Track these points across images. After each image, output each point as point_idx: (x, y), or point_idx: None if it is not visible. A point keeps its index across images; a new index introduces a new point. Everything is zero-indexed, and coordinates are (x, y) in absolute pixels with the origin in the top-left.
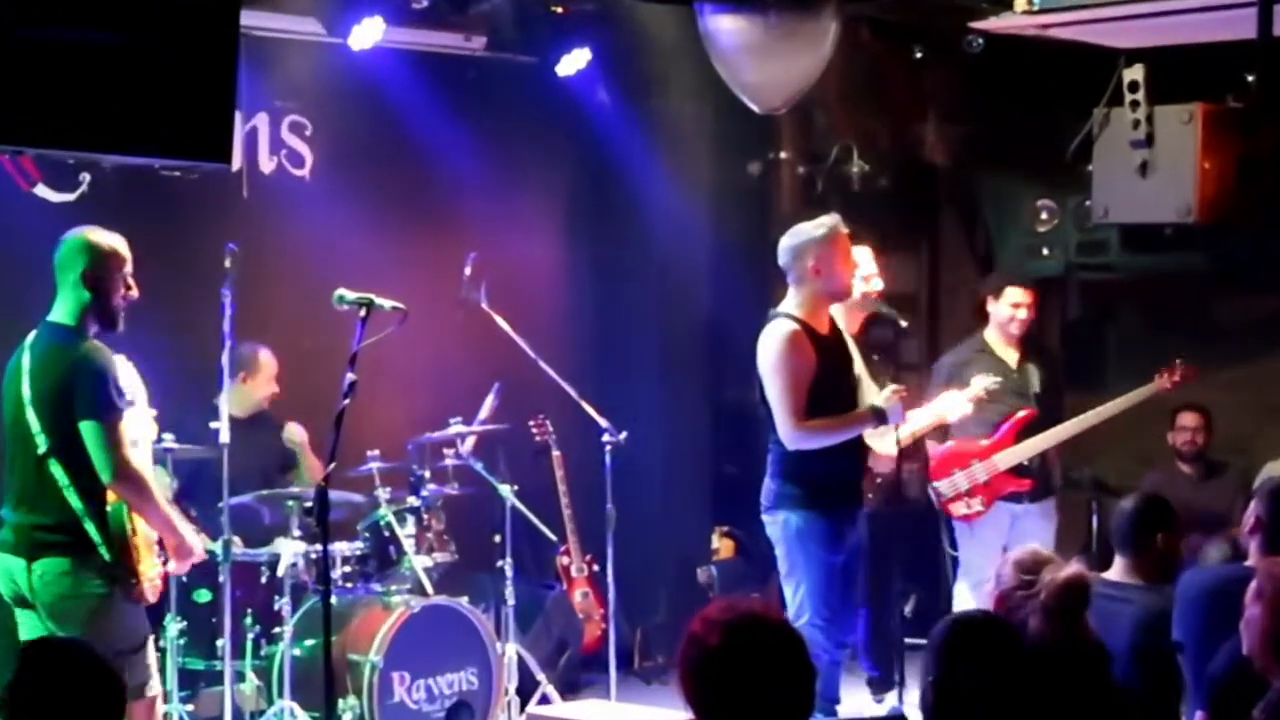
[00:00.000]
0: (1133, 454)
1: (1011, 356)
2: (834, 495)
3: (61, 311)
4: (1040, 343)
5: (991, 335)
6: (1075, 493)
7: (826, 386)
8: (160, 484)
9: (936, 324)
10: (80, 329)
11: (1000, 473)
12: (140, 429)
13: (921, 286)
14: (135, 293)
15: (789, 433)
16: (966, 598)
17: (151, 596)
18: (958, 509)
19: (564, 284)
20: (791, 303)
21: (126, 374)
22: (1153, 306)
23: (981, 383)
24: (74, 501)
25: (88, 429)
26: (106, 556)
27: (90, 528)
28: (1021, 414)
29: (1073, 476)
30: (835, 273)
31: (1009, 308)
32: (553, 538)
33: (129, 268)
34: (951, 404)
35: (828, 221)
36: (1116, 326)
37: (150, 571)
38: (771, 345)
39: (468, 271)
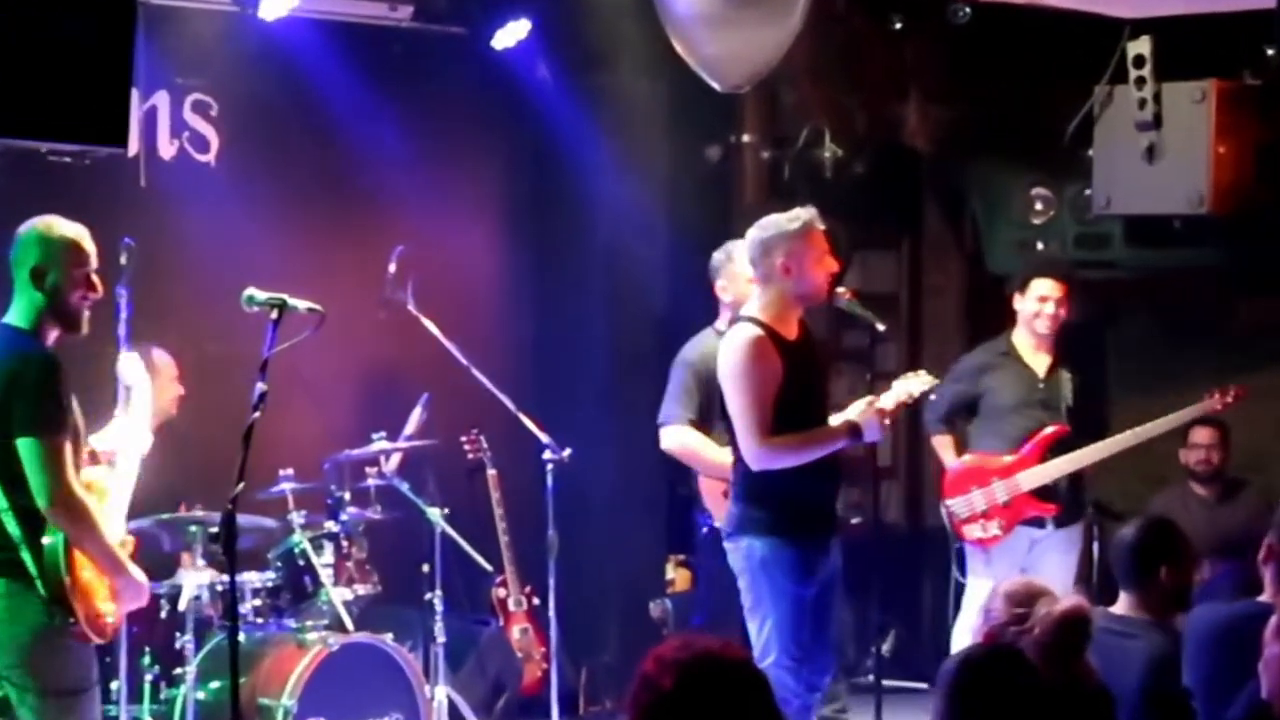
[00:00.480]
0: (1139, 473)
1: (1041, 363)
2: (804, 520)
3: (16, 313)
4: (1076, 349)
5: (1020, 337)
6: None
7: (795, 399)
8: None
9: (918, 327)
10: (36, 333)
11: (1023, 494)
12: (126, 438)
13: (901, 285)
14: (99, 292)
15: (753, 451)
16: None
17: (98, 636)
18: (972, 531)
19: (501, 282)
20: (756, 304)
21: (132, 371)
22: (1160, 309)
23: (894, 396)
24: (11, 526)
25: (25, 446)
26: (42, 592)
27: (26, 558)
28: (1049, 430)
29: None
30: (807, 273)
31: (1035, 302)
32: (488, 567)
33: (92, 263)
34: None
35: (802, 214)
36: (1119, 331)
37: (103, 607)
38: (733, 353)
39: (392, 269)
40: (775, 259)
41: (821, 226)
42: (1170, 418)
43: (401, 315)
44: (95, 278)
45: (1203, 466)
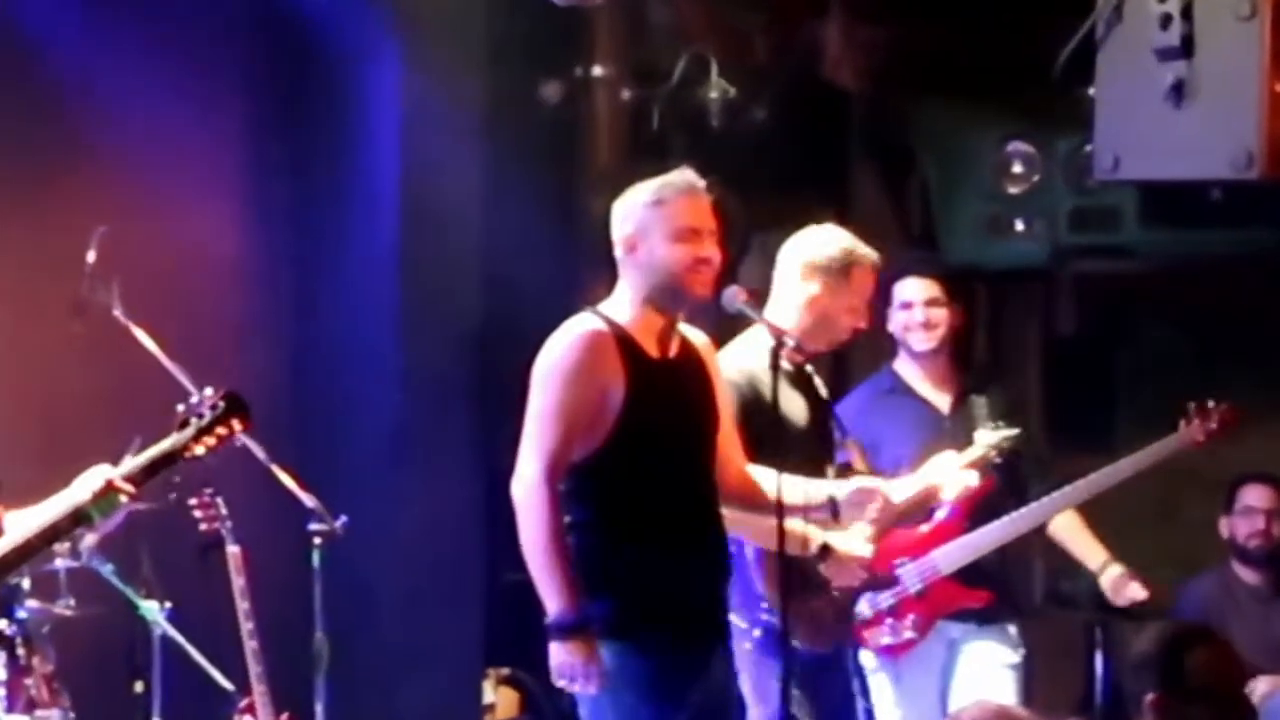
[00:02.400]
0: (1162, 551)
1: (940, 399)
2: (667, 616)
3: None
4: (991, 371)
5: (904, 364)
6: (1065, 614)
7: (637, 448)
8: None
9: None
10: None
11: (942, 579)
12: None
13: None
14: None
15: (526, 480)
16: None
17: None
18: (878, 637)
19: (248, 280)
20: (617, 300)
21: None
22: (1189, 311)
23: (986, 440)
24: None
25: None
26: None
27: None
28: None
29: (1061, 588)
30: (656, 253)
31: (899, 312)
32: (227, 686)
33: None
34: (944, 473)
35: (671, 179)
36: (1132, 344)
37: None
38: (555, 343)
39: (91, 258)
40: (622, 231)
41: (694, 194)
42: (1134, 459)
43: (105, 325)
44: None
45: (1257, 541)
